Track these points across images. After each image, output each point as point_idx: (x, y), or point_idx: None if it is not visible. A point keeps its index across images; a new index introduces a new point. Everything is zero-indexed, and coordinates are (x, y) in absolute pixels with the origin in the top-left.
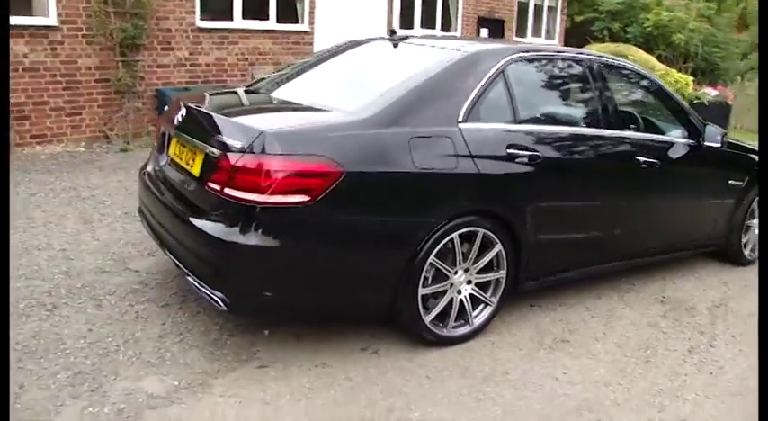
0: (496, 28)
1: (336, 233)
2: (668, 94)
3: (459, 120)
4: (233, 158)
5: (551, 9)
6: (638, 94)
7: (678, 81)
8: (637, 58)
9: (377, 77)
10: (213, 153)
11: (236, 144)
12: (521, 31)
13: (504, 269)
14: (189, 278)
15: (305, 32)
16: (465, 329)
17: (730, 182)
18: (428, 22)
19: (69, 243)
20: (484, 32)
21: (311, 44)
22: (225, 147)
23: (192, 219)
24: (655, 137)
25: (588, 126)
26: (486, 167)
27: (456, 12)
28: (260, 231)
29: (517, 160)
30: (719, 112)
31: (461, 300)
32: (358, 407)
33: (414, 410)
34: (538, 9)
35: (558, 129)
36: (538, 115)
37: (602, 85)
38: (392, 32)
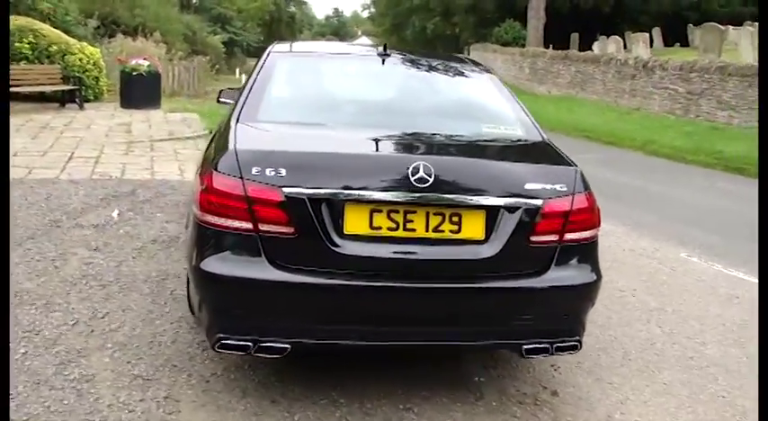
0: None
1: None
2: None
3: None
4: (564, 203)
5: None
6: None
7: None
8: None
9: (460, 98)
10: (525, 205)
11: (560, 187)
12: None
13: None
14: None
15: None
16: None
17: None
18: None
19: None
20: None
21: None
22: (550, 194)
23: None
24: None
25: None
26: None
27: None
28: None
29: None
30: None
31: None
32: None
33: None
34: None
35: None
36: None
37: None
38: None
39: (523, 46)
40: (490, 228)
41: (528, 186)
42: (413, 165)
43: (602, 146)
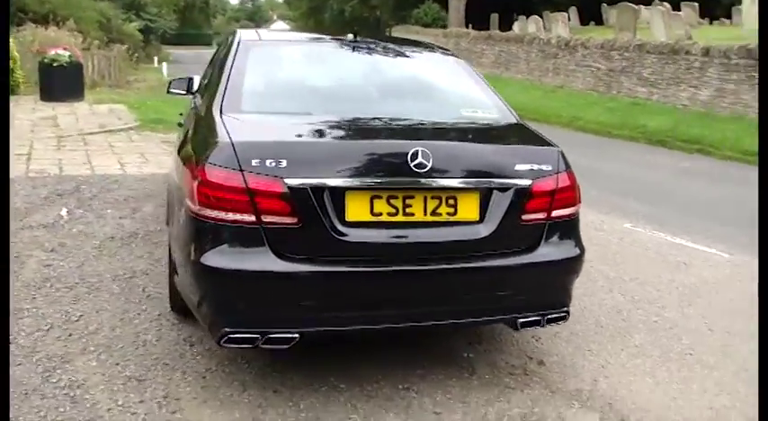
0: None
1: None
2: None
3: None
4: (549, 182)
5: None
6: None
7: None
8: None
9: (435, 83)
10: (515, 185)
11: (546, 167)
12: None
13: None
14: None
15: None
16: None
17: None
18: None
19: None
20: None
21: None
22: (537, 174)
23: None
24: None
25: None
26: None
27: None
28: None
29: None
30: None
31: None
32: None
33: None
34: None
35: None
36: None
37: None
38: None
39: (443, 27)
40: (484, 209)
41: (518, 167)
42: (411, 151)
43: (531, 123)
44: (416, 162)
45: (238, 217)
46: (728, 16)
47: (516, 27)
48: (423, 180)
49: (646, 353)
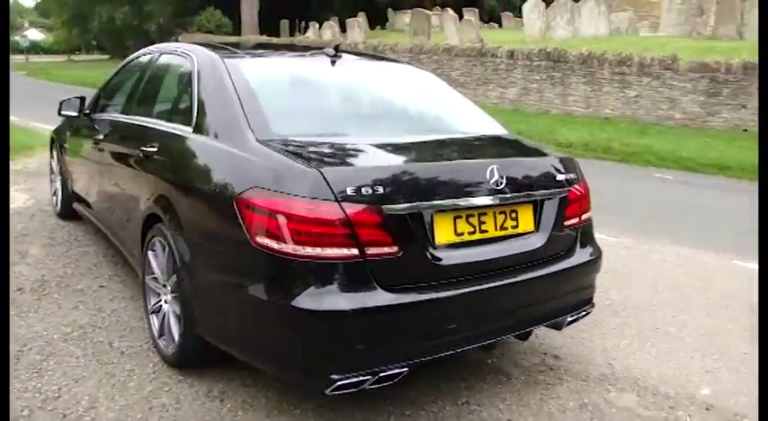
0: None
1: None
2: None
3: None
4: (579, 188)
5: None
6: None
7: None
8: None
9: (432, 97)
10: (559, 194)
11: (573, 176)
12: None
13: None
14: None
15: None
16: None
17: None
18: None
19: None
20: None
21: None
22: (570, 182)
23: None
24: None
25: None
26: None
27: None
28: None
29: None
30: None
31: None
32: None
33: None
34: None
35: None
36: None
37: None
38: (336, 48)
39: (227, 34)
40: (537, 219)
41: (558, 177)
42: (488, 169)
43: None
44: (494, 179)
45: (337, 252)
46: (499, 21)
47: (311, 33)
48: (499, 196)
49: (625, 333)
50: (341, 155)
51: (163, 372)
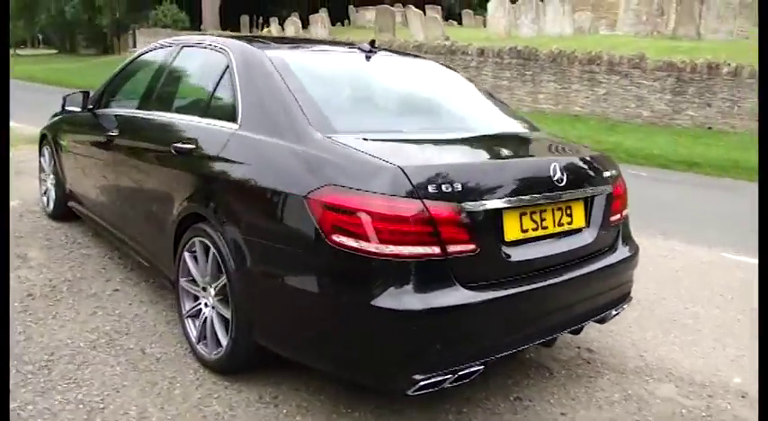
0: None
1: None
2: None
3: None
4: (621, 184)
5: None
6: None
7: None
8: None
9: (467, 93)
10: (605, 191)
11: (614, 172)
12: None
13: None
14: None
15: None
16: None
17: None
18: None
19: None
20: None
21: None
22: (614, 179)
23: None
24: None
25: None
26: None
27: None
28: None
29: None
30: None
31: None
32: None
33: None
34: None
35: None
36: None
37: None
38: (372, 44)
39: (183, 29)
40: (588, 215)
41: (605, 174)
42: (551, 166)
43: None
44: (557, 177)
45: (420, 250)
46: (457, 19)
47: (273, 29)
48: (560, 193)
49: (646, 326)
50: (411, 151)
51: (207, 379)
